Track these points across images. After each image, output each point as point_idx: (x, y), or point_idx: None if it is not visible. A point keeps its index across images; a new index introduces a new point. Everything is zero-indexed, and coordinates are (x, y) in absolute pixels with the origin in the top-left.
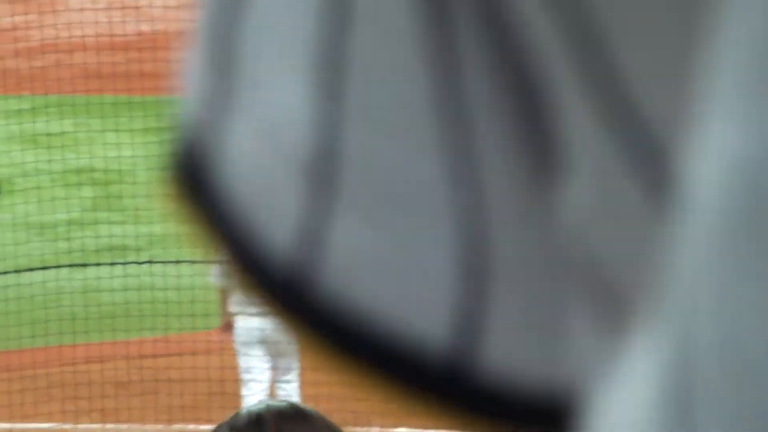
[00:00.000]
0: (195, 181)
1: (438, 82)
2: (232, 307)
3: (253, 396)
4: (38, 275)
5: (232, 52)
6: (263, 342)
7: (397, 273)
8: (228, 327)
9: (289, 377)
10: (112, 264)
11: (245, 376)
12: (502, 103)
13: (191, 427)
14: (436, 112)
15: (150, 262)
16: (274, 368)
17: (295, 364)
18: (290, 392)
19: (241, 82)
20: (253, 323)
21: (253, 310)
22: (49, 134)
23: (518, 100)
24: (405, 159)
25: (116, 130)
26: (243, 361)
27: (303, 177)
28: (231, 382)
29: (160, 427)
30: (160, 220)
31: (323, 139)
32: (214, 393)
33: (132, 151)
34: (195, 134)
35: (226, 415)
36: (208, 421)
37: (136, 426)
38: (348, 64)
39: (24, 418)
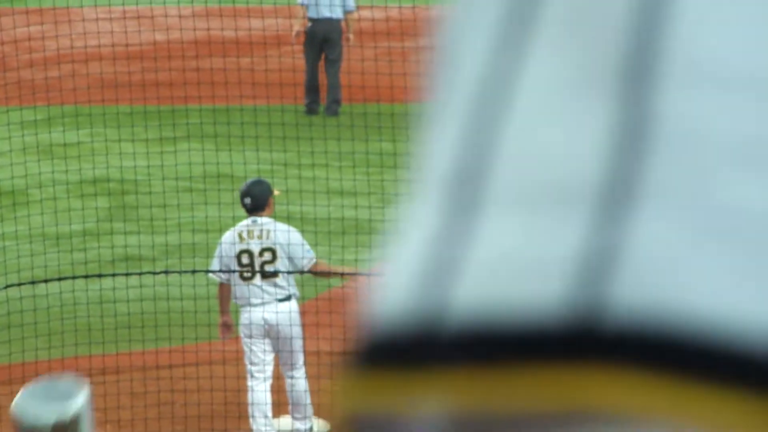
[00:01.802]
0: None
1: None
2: (236, 300)
3: (258, 388)
4: (54, 286)
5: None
6: (267, 334)
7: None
8: (226, 326)
9: (296, 371)
10: (127, 274)
11: (250, 368)
12: None
13: None
14: None
15: (165, 272)
16: (280, 361)
17: (302, 359)
18: (298, 387)
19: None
20: (256, 315)
21: (256, 301)
22: (64, 145)
23: None
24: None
25: (132, 140)
26: (247, 354)
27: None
28: (247, 392)
29: None
30: (174, 230)
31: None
32: (231, 403)
33: (147, 161)
34: None
35: (242, 425)
36: (224, 431)
37: None
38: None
39: None
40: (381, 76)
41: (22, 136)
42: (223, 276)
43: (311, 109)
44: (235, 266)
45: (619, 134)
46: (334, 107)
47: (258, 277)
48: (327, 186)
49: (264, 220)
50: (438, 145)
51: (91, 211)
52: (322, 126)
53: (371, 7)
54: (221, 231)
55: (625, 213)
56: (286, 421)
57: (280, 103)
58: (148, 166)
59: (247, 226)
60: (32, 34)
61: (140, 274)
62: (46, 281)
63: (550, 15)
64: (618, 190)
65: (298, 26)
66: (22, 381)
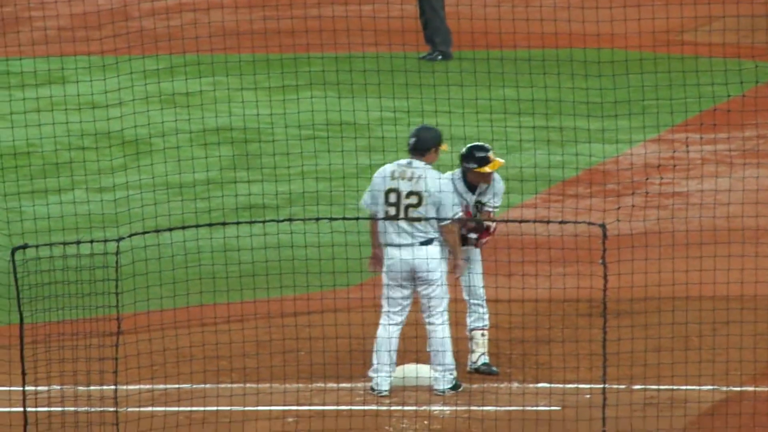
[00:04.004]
0: None
1: None
2: (382, 239)
3: (388, 325)
4: (178, 235)
5: None
6: (407, 276)
7: None
8: (376, 258)
9: (434, 317)
10: (251, 222)
11: (384, 308)
12: None
13: (332, 385)
14: None
15: (289, 219)
16: (421, 306)
17: (443, 305)
18: (436, 335)
19: None
20: (397, 255)
21: (399, 241)
22: (187, 94)
23: None
24: None
25: (254, 89)
26: (384, 294)
27: None
28: (372, 339)
29: (301, 386)
30: (298, 178)
31: None
32: (356, 350)
33: (270, 109)
34: None
35: (367, 373)
36: (349, 379)
37: (277, 385)
38: None
39: (165, 379)
40: (504, 22)
41: (145, 85)
42: (373, 207)
43: (436, 56)
44: (382, 203)
45: None
46: (445, 52)
47: (402, 217)
48: (450, 133)
49: (418, 164)
50: None
51: (214, 160)
52: (445, 72)
53: None
54: (344, 179)
55: None
56: (424, 369)
57: (402, 50)
58: (271, 115)
59: (401, 166)
60: None
61: (264, 222)
62: (170, 230)
63: None
64: None
65: None
66: (147, 330)
